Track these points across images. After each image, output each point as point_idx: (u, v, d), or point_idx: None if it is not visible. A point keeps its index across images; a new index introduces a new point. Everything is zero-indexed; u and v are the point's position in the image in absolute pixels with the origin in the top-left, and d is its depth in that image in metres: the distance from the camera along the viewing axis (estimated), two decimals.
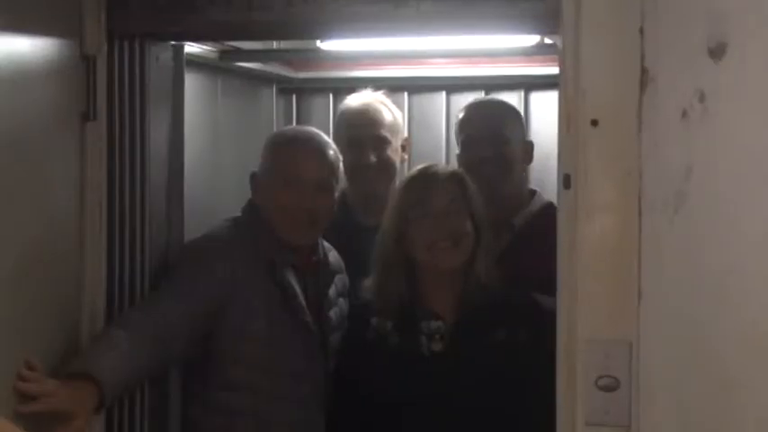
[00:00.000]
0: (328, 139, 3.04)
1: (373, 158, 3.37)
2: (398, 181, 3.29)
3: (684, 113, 1.89)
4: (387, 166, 3.39)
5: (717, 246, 1.87)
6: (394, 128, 3.45)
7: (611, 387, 2.08)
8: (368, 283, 2.94)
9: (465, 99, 4.03)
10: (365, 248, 3.02)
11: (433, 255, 2.83)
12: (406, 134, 3.53)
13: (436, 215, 2.84)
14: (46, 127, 2.36)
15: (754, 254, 1.80)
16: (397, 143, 3.44)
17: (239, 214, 2.97)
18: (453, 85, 4.18)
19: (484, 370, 2.80)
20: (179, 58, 2.97)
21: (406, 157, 3.50)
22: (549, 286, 2.67)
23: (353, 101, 3.53)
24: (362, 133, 3.40)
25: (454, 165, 3.57)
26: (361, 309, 2.94)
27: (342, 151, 3.36)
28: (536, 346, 2.27)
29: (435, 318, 2.86)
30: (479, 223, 2.87)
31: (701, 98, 1.85)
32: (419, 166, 3.01)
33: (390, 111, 3.48)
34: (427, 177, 2.91)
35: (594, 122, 2.08)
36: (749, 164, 1.77)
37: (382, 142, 3.40)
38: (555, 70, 2.25)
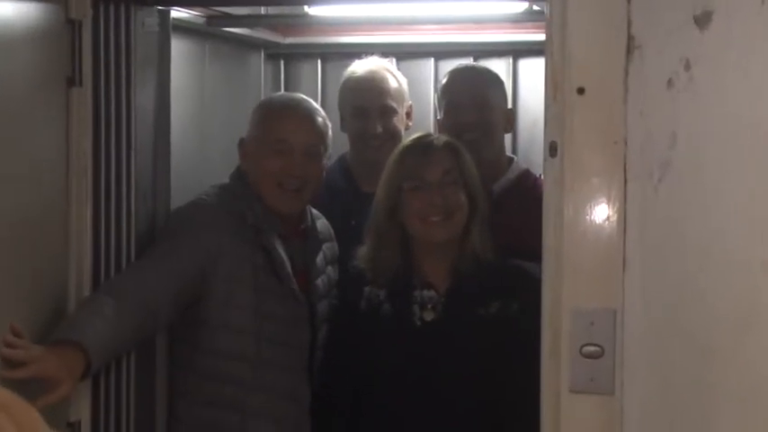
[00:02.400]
0: (317, 105, 3.02)
1: (379, 128, 3.35)
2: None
3: (670, 82, 1.89)
4: (392, 136, 3.36)
5: (700, 214, 1.88)
6: (400, 96, 3.42)
7: (596, 355, 2.09)
8: (362, 252, 2.93)
9: (453, 65, 4.01)
10: (366, 215, 3.03)
11: (425, 227, 2.83)
12: (410, 101, 3.50)
13: (429, 187, 2.82)
14: (31, 92, 2.35)
15: (738, 222, 1.81)
16: (402, 111, 3.42)
17: (227, 181, 2.96)
18: (442, 52, 4.16)
19: (474, 342, 2.80)
20: (165, 24, 2.95)
21: (410, 123, 3.47)
22: (527, 253, 2.69)
23: (359, 68, 3.49)
24: (368, 103, 3.38)
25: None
26: (355, 278, 2.93)
27: (346, 119, 3.38)
28: (528, 318, 2.27)
29: (428, 287, 2.86)
30: (474, 194, 2.86)
31: (687, 66, 1.85)
32: (414, 136, 2.99)
33: (396, 78, 3.45)
34: (421, 148, 2.89)
35: (581, 90, 2.08)
36: (733, 132, 1.78)
37: (388, 112, 3.38)
38: (543, 37, 2.24)
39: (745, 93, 1.74)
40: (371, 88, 3.39)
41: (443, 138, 2.95)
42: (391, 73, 3.46)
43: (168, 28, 2.97)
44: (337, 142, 3.19)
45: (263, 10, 3.81)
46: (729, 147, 1.78)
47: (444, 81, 3.41)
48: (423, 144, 2.91)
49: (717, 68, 1.79)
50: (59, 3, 2.44)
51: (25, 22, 2.30)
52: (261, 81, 4.13)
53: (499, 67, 3.99)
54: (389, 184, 2.88)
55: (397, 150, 2.96)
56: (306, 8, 3.68)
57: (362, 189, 3.37)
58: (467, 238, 2.85)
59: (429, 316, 2.85)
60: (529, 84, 4.06)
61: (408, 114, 3.47)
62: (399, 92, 3.42)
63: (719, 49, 1.78)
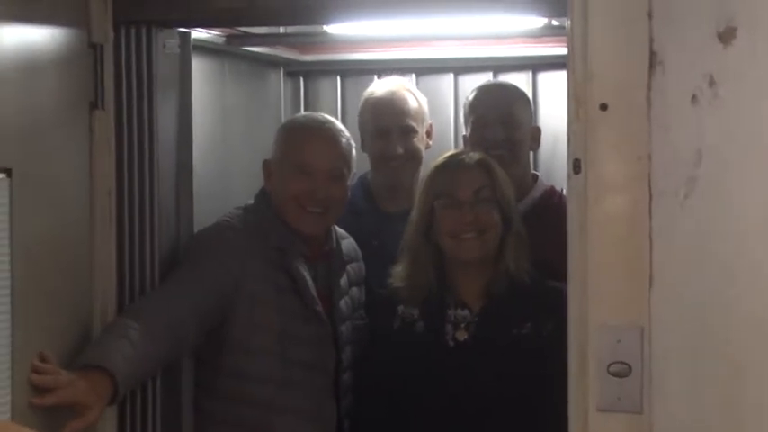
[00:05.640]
0: (341, 126, 3.00)
1: (400, 149, 3.34)
2: (422, 168, 3.29)
3: (694, 98, 1.89)
4: (413, 156, 3.37)
5: (728, 231, 1.87)
6: (420, 116, 3.42)
7: (623, 373, 2.08)
8: (396, 270, 2.93)
9: (473, 80, 4.01)
10: (388, 235, 3.03)
11: (457, 244, 2.82)
12: (430, 120, 3.50)
13: (461, 205, 2.81)
14: (55, 116, 2.36)
15: (764, 237, 1.80)
16: (422, 131, 3.42)
17: (251, 201, 2.96)
18: (461, 67, 4.15)
19: (506, 362, 2.78)
20: (186, 45, 2.95)
21: (431, 142, 3.47)
22: (554, 271, 2.68)
23: (379, 88, 3.49)
24: (389, 123, 3.37)
25: (460, 147, 3.58)
26: (389, 297, 2.92)
27: (367, 139, 3.38)
28: (561, 339, 2.26)
29: (462, 306, 2.85)
30: (508, 212, 2.85)
31: (711, 83, 1.85)
32: (447, 153, 2.99)
33: (416, 98, 3.45)
34: (454, 166, 2.88)
35: (603, 107, 2.07)
36: (760, 149, 1.77)
37: (409, 132, 3.37)
38: (563, 51, 2.24)
39: None
40: (391, 109, 3.39)
41: (476, 155, 2.93)
42: (411, 92, 3.46)
43: (189, 49, 2.97)
44: (358, 161, 3.19)
45: (282, 28, 3.82)
46: (756, 163, 1.77)
47: (471, 97, 3.40)
48: (455, 162, 2.90)
49: (742, 85, 1.79)
50: (82, 27, 2.46)
51: (49, 47, 2.31)
52: (281, 98, 4.14)
53: (519, 81, 3.97)
54: (422, 203, 2.88)
55: (429, 168, 2.96)
56: (324, 27, 3.69)
57: (384, 209, 3.38)
58: (501, 256, 2.84)
59: (462, 336, 2.84)
60: (549, 97, 4.04)
61: (429, 133, 3.47)
62: (419, 111, 3.42)
63: (744, 66, 1.77)
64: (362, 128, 3.44)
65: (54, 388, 2.15)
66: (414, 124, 3.38)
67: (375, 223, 3.29)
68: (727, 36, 1.79)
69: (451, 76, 4.17)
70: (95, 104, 2.51)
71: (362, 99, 3.52)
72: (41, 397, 2.13)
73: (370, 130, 3.41)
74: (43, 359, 2.18)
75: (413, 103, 3.41)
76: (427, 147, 3.44)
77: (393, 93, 3.43)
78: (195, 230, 2.98)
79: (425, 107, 3.47)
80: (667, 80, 1.99)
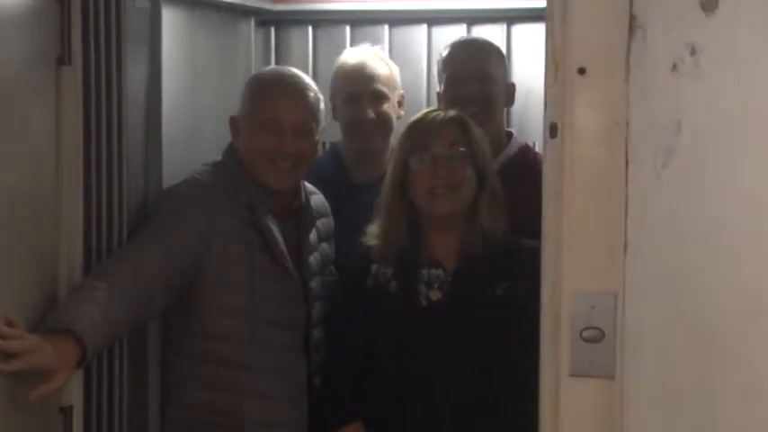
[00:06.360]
0: (309, 80, 2.97)
1: (371, 114, 3.33)
2: (393, 136, 3.27)
3: (675, 67, 1.86)
4: (384, 122, 3.36)
5: (705, 202, 1.86)
6: (391, 83, 3.40)
7: (596, 339, 2.07)
8: (371, 228, 2.92)
9: (447, 32, 3.99)
10: (359, 205, 3.01)
11: (431, 200, 2.81)
12: (402, 90, 3.47)
13: (435, 160, 2.80)
14: (21, 71, 2.30)
15: (743, 211, 1.80)
16: (394, 98, 3.40)
17: (219, 157, 2.92)
18: (435, 18, 4.11)
19: (479, 323, 2.78)
20: None
21: (402, 112, 3.44)
22: (528, 231, 2.66)
23: (351, 56, 3.48)
24: (360, 88, 3.36)
25: (433, 100, 3.56)
26: (362, 256, 2.91)
27: (338, 106, 3.36)
28: (535, 300, 2.25)
29: (436, 266, 2.84)
30: (483, 169, 2.84)
31: (692, 52, 1.82)
32: (422, 111, 2.98)
33: (388, 66, 3.44)
34: (428, 121, 2.87)
35: (582, 71, 2.04)
36: (740, 121, 1.76)
37: (380, 97, 3.36)
38: (538, 3, 2.21)
39: (751, 81, 1.72)
40: (363, 74, 3.37)
41: (452, 112, 2.92)
42: (383, 60, 3.46)
43: (159, 3, 2.91)
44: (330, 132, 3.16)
45: None
46: (735, 135, 1.76)
47: (445, 53, 3.37)
48: (430, 117, 2.89)
49: (724, 56, 1.76)
50: None
51: (14, 0, 2.25)
52: (251, 49, 4.07)
53: (493, 33, 3.95)
54: (397, 159, 2.87)
55: (405, 125, 2.94)
56: None
57: (356, 179, 3.38)
58: (475, 214, 2.83)
59: (435, 296, 2.83)
60: (523, 51, 4.01)
61: (400, 103, 3.45)
62: (391, 78, 3.41)
63: (727, 36, 1.75)
64: (333, 94, 3.42)
65: (21, 353, 2.12)
66: (385, 89, 3.36)
67: (347, 193, 3.27)
68: (709, 5, 1.76)
69: (425, 27, 4.13)
70: (63, 60, 2.45)
71: (334, 67, 3.50)
72: (8, 362, 2.10)
73: (341, 95, 3.39)
74: (10, 323, 2.13)
75: (384, 70, 3.40)
76: (398, 117, 3.41)
77: (365, 59, 3.42)
78: (164, 187, 2.93)
79: (397, 75, 3.46)
80: (647, 45, 1.95)
